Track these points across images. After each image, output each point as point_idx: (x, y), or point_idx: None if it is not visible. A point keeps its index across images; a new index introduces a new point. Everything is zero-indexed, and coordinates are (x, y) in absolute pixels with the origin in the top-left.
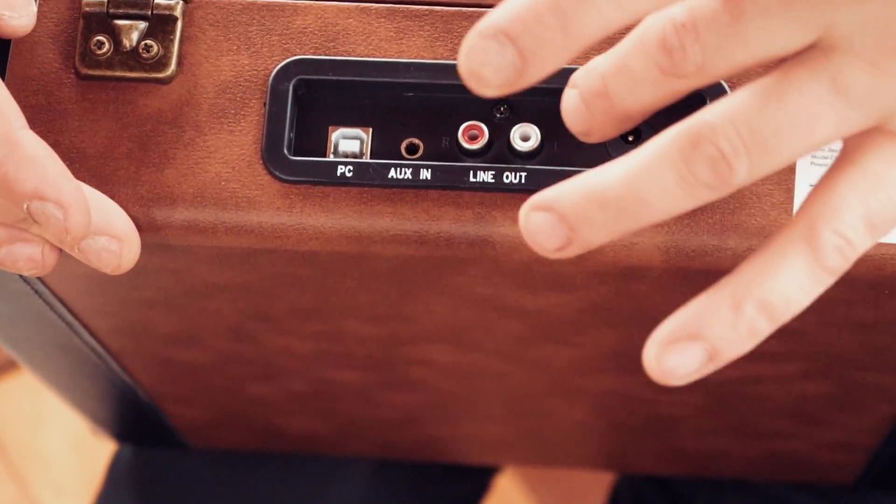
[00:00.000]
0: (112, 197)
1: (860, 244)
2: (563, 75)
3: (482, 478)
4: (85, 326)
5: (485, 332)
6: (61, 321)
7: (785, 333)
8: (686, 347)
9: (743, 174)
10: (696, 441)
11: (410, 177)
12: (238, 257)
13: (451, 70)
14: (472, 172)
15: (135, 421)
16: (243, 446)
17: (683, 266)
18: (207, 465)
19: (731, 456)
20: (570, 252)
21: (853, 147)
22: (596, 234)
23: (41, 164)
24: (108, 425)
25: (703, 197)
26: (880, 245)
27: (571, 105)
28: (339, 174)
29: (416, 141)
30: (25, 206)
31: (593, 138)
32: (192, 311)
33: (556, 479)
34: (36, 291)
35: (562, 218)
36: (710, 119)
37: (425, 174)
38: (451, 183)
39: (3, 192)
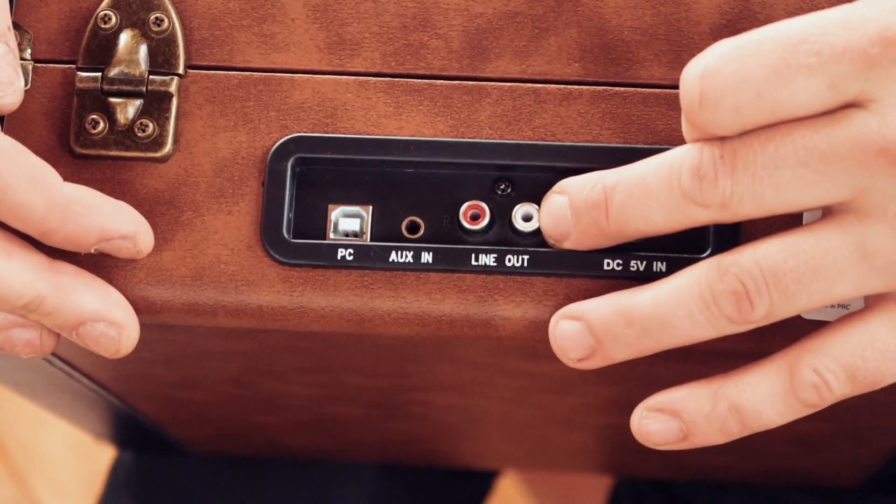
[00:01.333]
0: (110, 280)
1: (839, 390)
2: (562, 153)
3: (485, 480)
4: (85, 375)
5: (487, 386)
6: (62, 373)
7: None
8: (665, 419)
9: (761, 313)
10: (698, 457)
11: (412, 260)
12: (239, 334)
13: (451, 147)
14: (473, 255)
15: (137, 437)
16: (246, 454)
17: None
18: (210, 471)
19: (733, 468)
20: (592, 364)
21: (867, 304)
22: (619, 350)
23: (96, 211)
24: (110, 439)
25: (723, 328)
26: None
27: (555, 210)
28: (339, 257)
29: (417, 219)
30: (94, 250)
31: (564, 246)
32: (193, 367)
33: (557, 480)
34: None
35: (590, 328)
36: (740, 259)
37: (427, 257)
38: (452, 266)
39: (71, 246)
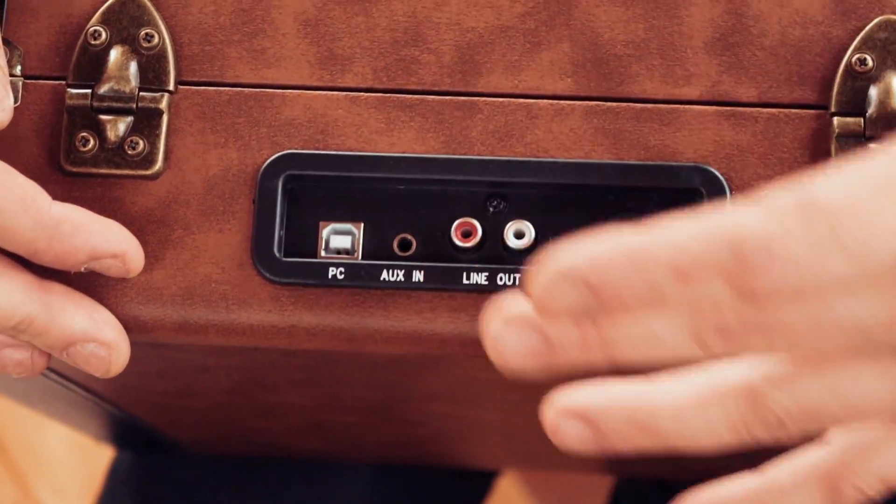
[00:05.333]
0: (100, 299)
1: (874, 493)
2: (554, 170)
3: (483, 480)
4: (80, 386)
5: (483, 397)
6: (57, 384)
7: None
8: None
9: (791, 437)
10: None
11: (403, 279)
12: (230, 351)
13: (442, 164)
14: (465, 274)
15: (135, 439)
16: (244, 454)
17: None
18: (208, 471)
19: (735, 466)
20: (590, 450)
21: None
22: (625, 447)
23: (85, 230)
24: (108, 441)
25: (748, 443)
26: None
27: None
28: (330, 276)
29: (409, 236)
30: (84, 268)
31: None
32: (187, 379)
33: (557, 480)
34: None
35: (597, 432)
36: (777, 395)
37: (418, 276)
38: (444, 285)
39: (61, 265)
